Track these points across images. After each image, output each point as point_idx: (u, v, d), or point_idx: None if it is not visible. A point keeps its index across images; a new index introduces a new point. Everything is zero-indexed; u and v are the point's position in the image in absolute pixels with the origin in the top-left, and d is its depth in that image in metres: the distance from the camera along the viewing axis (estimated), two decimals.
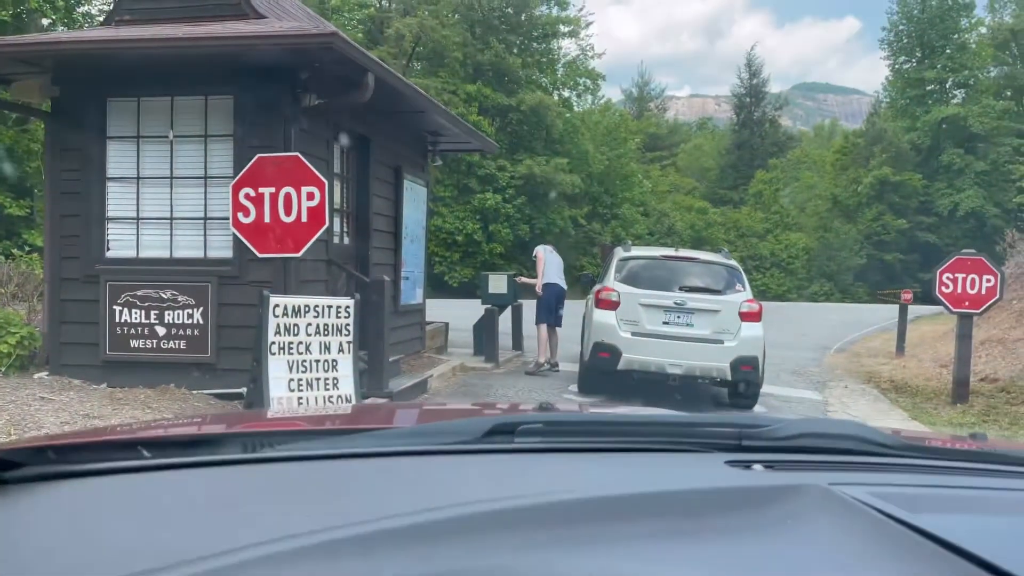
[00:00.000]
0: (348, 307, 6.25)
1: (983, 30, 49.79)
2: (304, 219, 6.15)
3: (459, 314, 13.73)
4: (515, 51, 35.43)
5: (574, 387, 9.50)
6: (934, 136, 47.59)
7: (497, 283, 11.85)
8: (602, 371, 8.84)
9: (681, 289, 8.73)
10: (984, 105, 46.17)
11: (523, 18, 35.86)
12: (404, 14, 34.82)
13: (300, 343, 5.98)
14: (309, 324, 6.04)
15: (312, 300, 6.15)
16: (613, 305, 8.76)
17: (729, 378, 8.45)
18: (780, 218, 48.67)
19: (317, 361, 6.07)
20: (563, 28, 37.34)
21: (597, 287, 9.35)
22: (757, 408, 8.71)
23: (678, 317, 8.61)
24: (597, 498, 0.82)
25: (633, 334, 8.62)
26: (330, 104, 7.16)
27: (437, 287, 30.97)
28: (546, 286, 10.66)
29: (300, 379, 5.97)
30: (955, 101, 48.58)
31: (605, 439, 1.12)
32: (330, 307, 6.18)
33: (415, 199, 10.44)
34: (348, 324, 6.20)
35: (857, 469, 0.98)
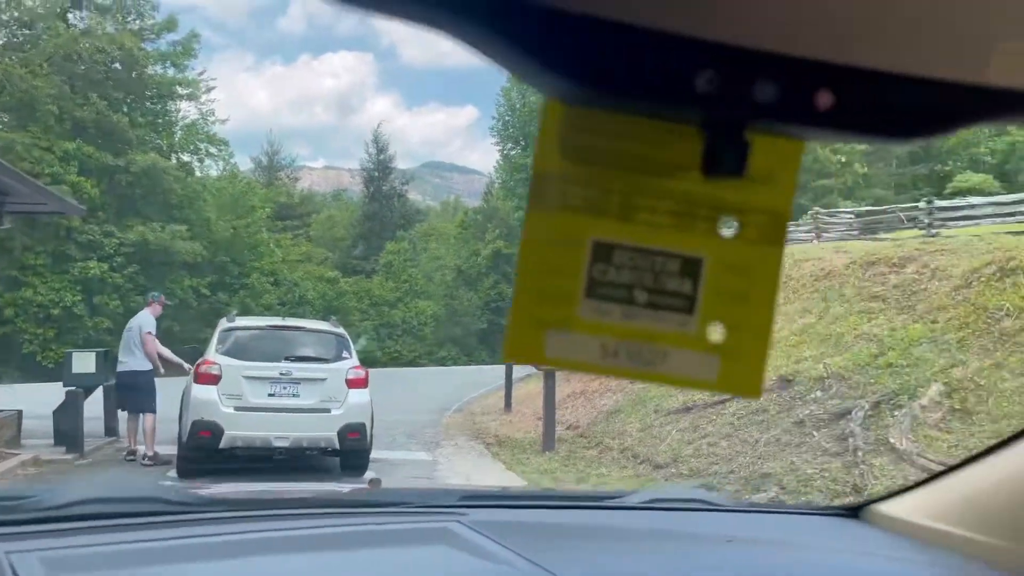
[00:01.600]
0: None
1: None
2: None
3: (49, 400, 11.95)
4: (124, 109, 32.71)
5: (173, 472, 8.71)
6: None
7: (83, 362, 10.48)
8: (204, 451, 8.29)
9: (287, 359, 8.59)
10: None
11: (133, 75, 33.38)
12: None
13: None
14: None
15: None
16: (214, 379, 8.31)
17: (337, 446, 8.43)
18: (410, 287, 50.99)
19: None
20: (180, 90, 35.50)
21: (198, 361, 8.83)
22: (368, 474, 8.76)
23: (284, 388, 8.42)
24: None
25: (236, 408, 8.24)
26: None
27: (27, 369, 26.99)
28: (118, 376, 9.51)
29: None
30: None
31: None
32: None
33: None
34: None
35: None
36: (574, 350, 0.43)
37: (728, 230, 0.43)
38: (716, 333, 0.43)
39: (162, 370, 9.63)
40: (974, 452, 1.34)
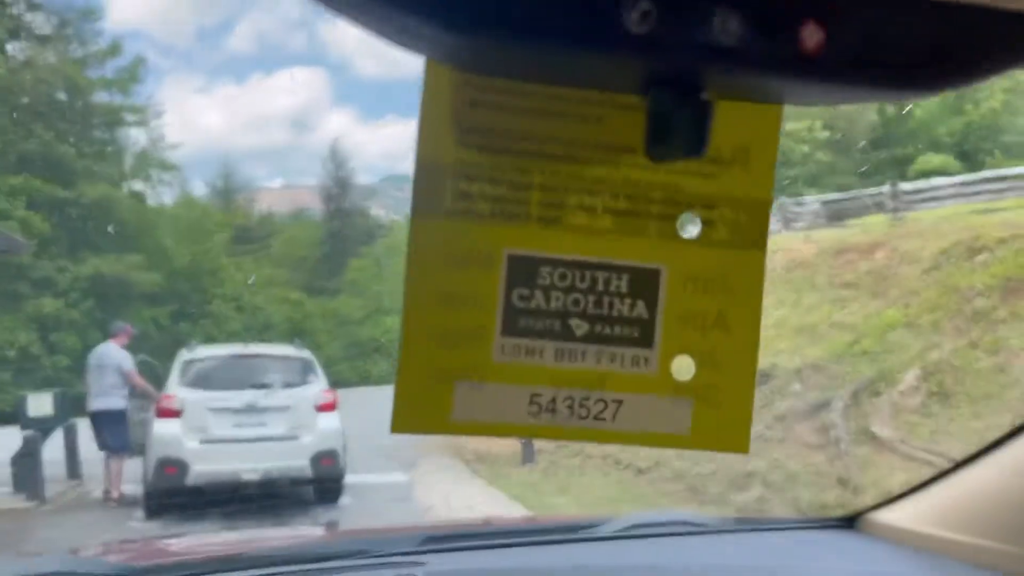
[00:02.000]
0: None
1: None
2: None
3: (6, 445, 11.50)
4: (71, 140, 32.01)
5: (140, 513, 8.36)
6: None
7: (40, 404, 10.07)
8: (170, 489, 7.98)
9: (252, 387, 8.34)
10: None
11: (79, 104, 32.68)
12: None
13: None
14: None
15: None
16: (176, 413, 8.02)
17: (310, 475, 8.18)
18: (377, 303, 50.57)
19: None
20: (129, 117, 34.89)
21: (159, 395, 8.52)
22: (344, 500, 8.53)
23: (250, 417, 8.16)
24: None
25: (202, 442, 7.96)
26: None
27: None
28: (92, 415, 8.95)
29: None
30: None
31: None
32: None
33: None
34: None
35: None
36: (493, 407, 0.31)
37: (691, 229, 0.31)
38: (684, 370, 0.31)
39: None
40: (973, 451, 1.24)
